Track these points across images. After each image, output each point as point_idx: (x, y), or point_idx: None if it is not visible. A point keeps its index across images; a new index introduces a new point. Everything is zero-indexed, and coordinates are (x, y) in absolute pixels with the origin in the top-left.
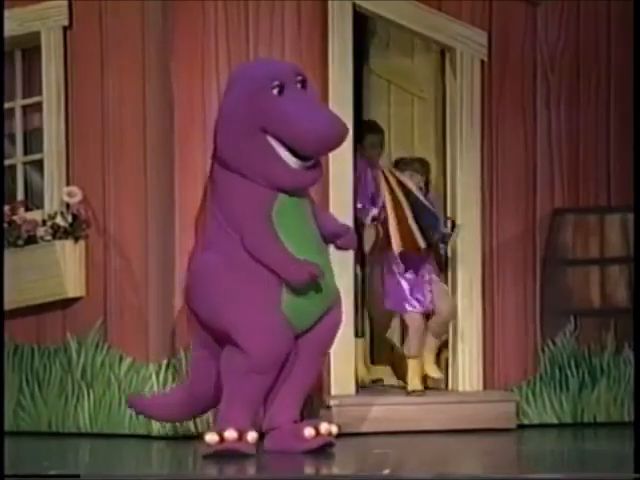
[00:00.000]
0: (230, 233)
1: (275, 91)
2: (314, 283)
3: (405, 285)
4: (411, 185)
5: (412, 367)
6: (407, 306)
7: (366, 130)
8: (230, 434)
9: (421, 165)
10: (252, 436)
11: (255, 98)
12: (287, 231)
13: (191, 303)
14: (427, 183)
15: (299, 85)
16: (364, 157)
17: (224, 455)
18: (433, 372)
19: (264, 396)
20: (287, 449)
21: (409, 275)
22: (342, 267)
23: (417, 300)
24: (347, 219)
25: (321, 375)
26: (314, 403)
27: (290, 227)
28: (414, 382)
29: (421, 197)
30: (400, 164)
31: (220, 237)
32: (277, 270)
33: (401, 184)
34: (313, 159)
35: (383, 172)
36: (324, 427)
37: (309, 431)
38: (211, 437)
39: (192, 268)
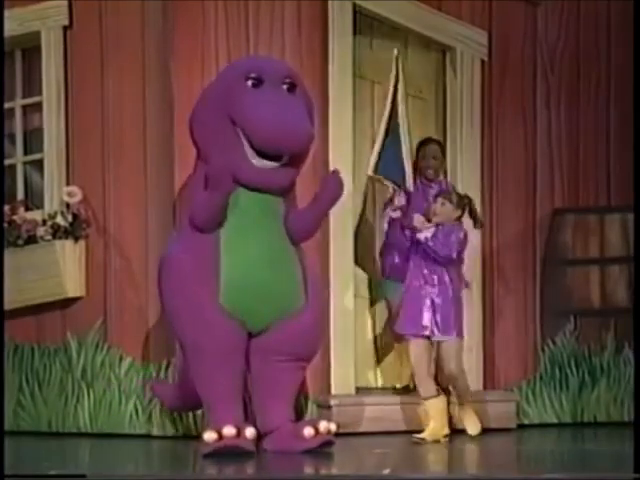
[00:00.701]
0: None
1: (250, 83)
2: (259, 281)
3: (404, 302)
4: (402, 106)
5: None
6: (401, 329)
7: (420, 143)
8: (229, 431)
9: (459, 198)
10: (250, 432)
11: (228, 86)
12: (237, 230)
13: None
14: (474, 218)
15: (285, 87)
16: (423, 172)
17: (224, 452)
18: (470, 428)
19: (239, 391)
20: (287, 449)
21: (411, 291)
22: (342, 270)
23: (415, 323)
24: (348, 222)
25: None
26: (310, 404)
27: (241, 225)
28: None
29: (404, 131)
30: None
31: (186, 229)
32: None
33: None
34: (279, 161)
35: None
36: (323, 426)
37: (308, 430)
38: (209, 435)
39: (160, 261)
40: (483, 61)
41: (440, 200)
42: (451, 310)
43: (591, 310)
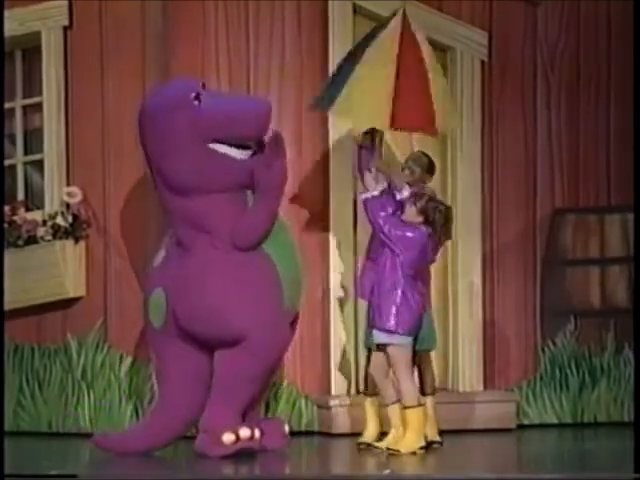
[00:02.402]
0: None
1: (196, 102)
2: (299, 277)
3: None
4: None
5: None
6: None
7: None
8: (245, 433)
9: (427, 207)
10: (258, 434)
11: (183, 116)
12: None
13: (187, 323)
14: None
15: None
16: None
17: (240, 454)
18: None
19: None
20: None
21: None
22: (343, 270)
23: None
24: (348, 222)
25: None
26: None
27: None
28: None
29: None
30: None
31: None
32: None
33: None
34: (252, 147)
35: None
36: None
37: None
38: (228, 437)
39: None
40: (483, 61)
41: (411, 200)
42: (381, 303)
43: (591, 310)
